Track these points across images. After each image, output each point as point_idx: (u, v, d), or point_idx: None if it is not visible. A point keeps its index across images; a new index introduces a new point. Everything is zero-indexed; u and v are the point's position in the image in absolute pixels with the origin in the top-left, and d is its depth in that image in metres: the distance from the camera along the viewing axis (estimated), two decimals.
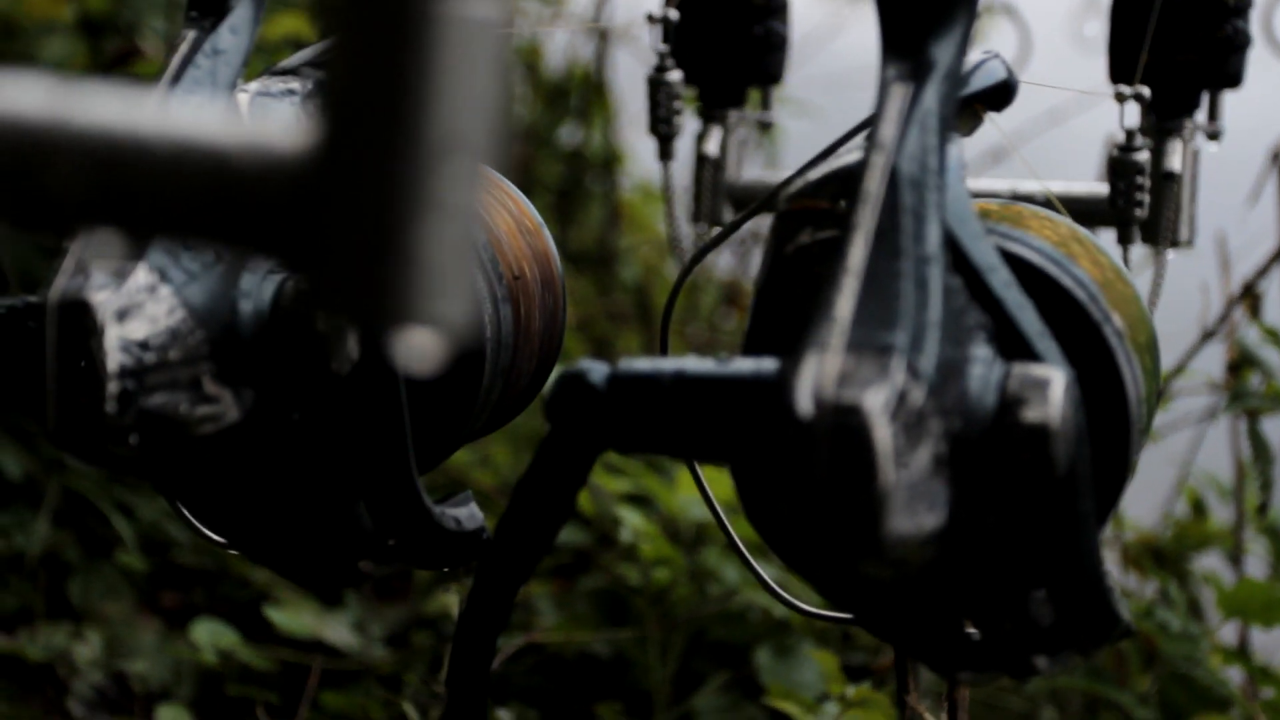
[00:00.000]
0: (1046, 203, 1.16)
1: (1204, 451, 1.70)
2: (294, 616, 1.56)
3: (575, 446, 0.67)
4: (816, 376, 0.58)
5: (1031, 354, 0.65)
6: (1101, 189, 1.27)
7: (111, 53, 1.72)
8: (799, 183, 0.68)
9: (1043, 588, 0.67)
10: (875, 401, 0.58)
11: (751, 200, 1.33)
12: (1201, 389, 1.63)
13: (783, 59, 1.29)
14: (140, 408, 0.63)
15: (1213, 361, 1.68)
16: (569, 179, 2.23)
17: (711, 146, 1.24)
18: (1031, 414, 0.62)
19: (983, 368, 0.63)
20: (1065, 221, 0.77)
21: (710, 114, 1.24)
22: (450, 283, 0.35)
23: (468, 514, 0.77)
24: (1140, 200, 1.15)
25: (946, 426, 0.61)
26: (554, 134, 2.26)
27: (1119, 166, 1.13)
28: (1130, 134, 1.16)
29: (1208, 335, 1.54)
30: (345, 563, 0.75)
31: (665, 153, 1.20)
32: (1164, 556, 1.66)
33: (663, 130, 1.19)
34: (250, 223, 0.36)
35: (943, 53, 0.65)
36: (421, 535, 0.75)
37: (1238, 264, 1.69)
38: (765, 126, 1.32)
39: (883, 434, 0.57)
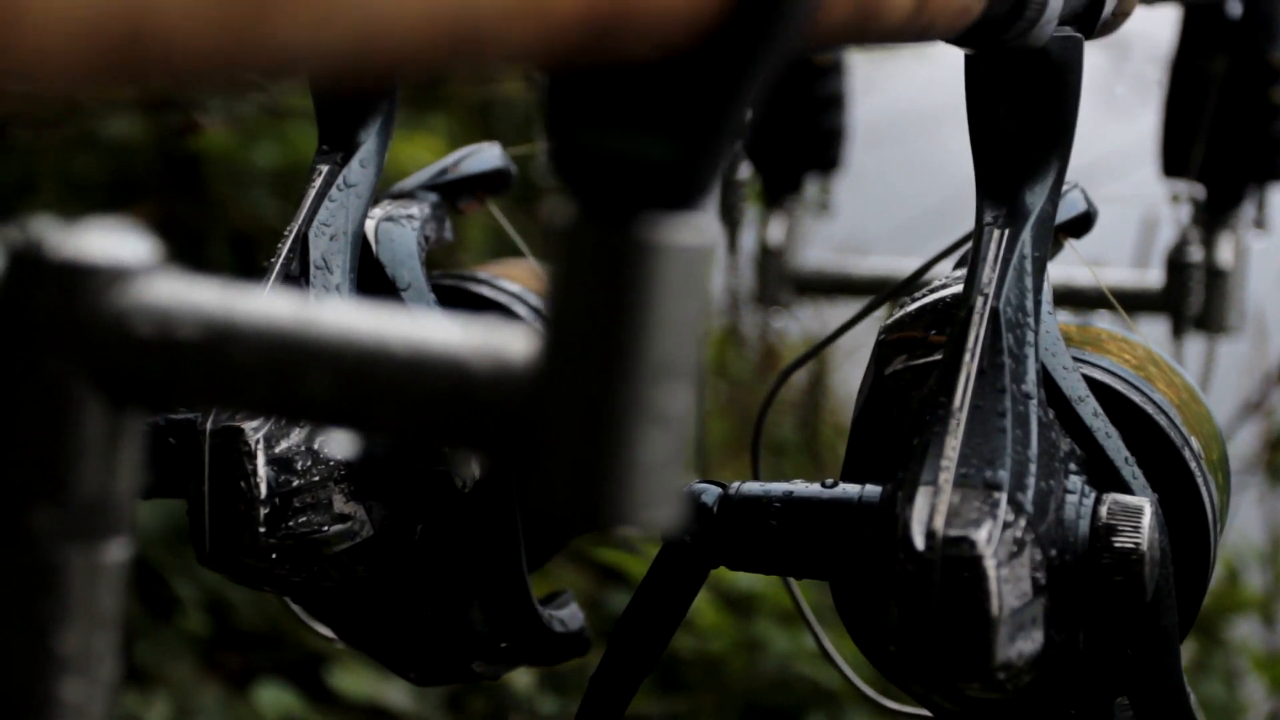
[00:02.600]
0: (1100, 296, 1.20)
1: (1239, 520, 1.75)
2: (354, 680, 1.60)
3: (688, 564, 0.71)
4: (929, 513, 0.62)
5: (1119, 480, 0.69)
6: (1149, 279, 1.32)
7: (172, 127, 1.77)
8: (898, 313, 0.73)
9: (1126, 695, 0.71)
10: (983, 537, 0.62)
11: (816, 284, 1.37)
12: (1236, 461, 1.67)
13: (843, 147, 1.34)
14: (285, 529, 0.68)
15: (1245, 431, 1.72)
16: None
17: (775, 234, 1.28)
18: (1123, 542, 0.66)
19: (1076, 497, 0.68)
20: (1140, 342, 0.82)
21: (774, 203, 1.29)
22: (662, 492, 0.39)
23: (570, 614, 0.81)
24: (1195, 297, 1.19)
25: (1044, 555, 0.65)
26: None
27: (1176, 266, 1.17)
28: (1185, 234, 1.21)
29: (1248, 411, 1.58)
30: (459, 663, 0.79)
31: (733, 245, 1.24)
32: (1200, 623, 1.70)
33: (733, 220, 1.23)
34: (478, 427, 0.40)
35: (1036, 198, 0.70)
36: (530, 637, 0.79)
37: (1274, 339, 1.74)
38: (823, 207, 1.37)
39: (991, 568, 0.61)
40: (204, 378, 0.42)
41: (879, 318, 1.19)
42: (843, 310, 1.49)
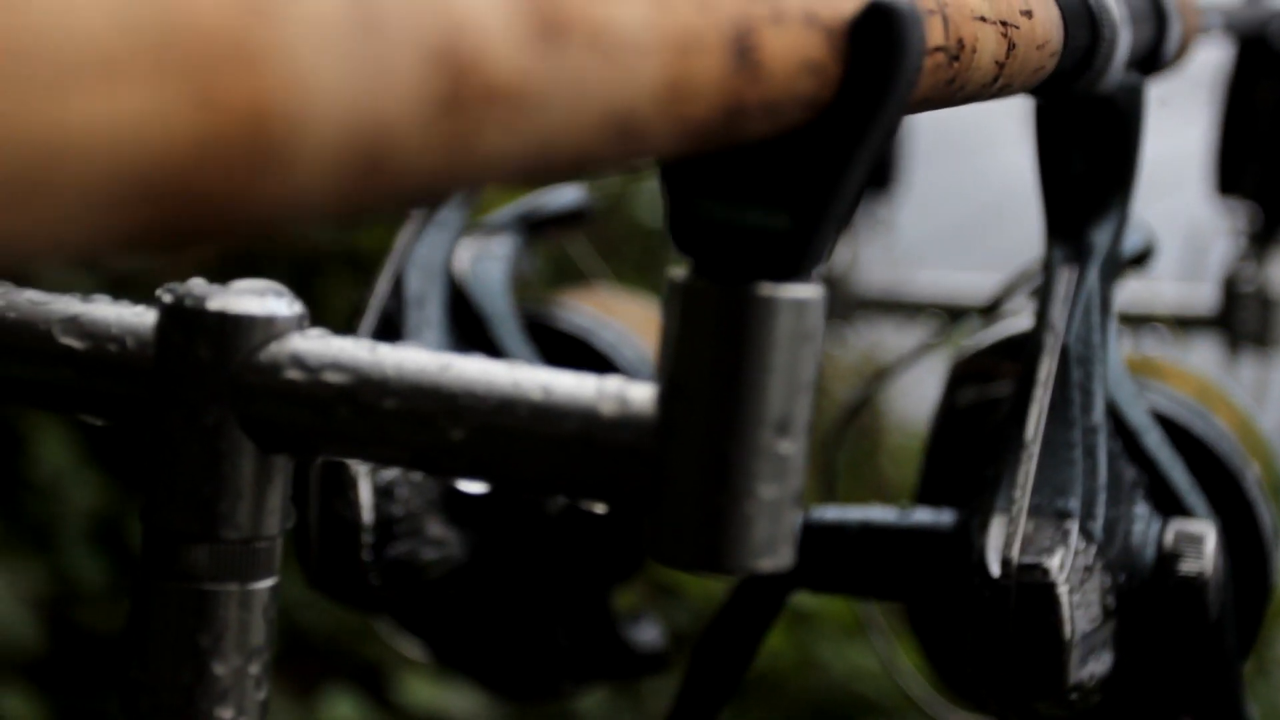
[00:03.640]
0: (1155, 313, 1.23)
1: None
2: (419, 687, 1.64)
3: (768, 588, 0.74)
4: (1004, 540, 0.65)
5: (1183, 507, 0.72)
6: (1201, 296, 1.35)
7: None
8: (970, 345, 0.76)
9: (1189, 715, 0.74)
10: (1056, 564, 0.65)
11: (876, 303, 1.41)
12: None
13: (902, 165, 1.37)
14: (387, 555, 0.71)
15: None
16: None
17: (841, 257, 1.31)
18: (1188, 567, 0.69)
19: (1141, 524, 0.71)
20: (1196, 369, 0.85)
21: None
22: (779, 537, 0.43)
23: (653, 634, 0.85)
24: (1249, 315, 1.22)
25: (1113, 580, 0.68)
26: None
27: (1231, 288, 1.20)
28: (1240, 254, 1.24)
29: None
30: (547, 680, 0.83)
31: None
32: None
33: None
34: (604, 476, 0.44)
35: (1102, 237, 0.73)
36: (614, 656, 0.82)
37: None
38: (883, 224, 1.40)
39: (1064, 594, 0.64)
40: (349, 427, 0.45)
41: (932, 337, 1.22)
42: (898, 327, 1.52)
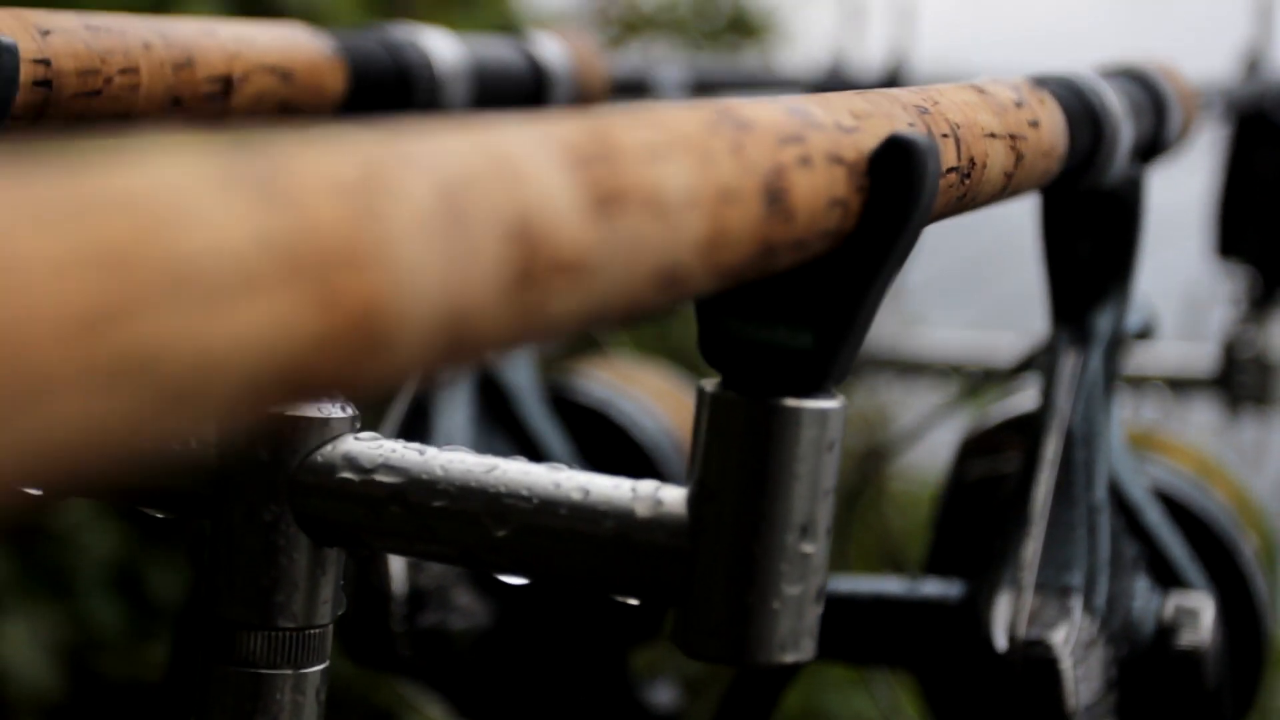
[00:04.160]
0: (1152, 373, 1.26)
1: None
2: None
3: None
4: (1010, 615, 0.68)
5: (1181, 580, 0.75)
6: (1199, 356, 1.38)
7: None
8: (979, 422, 0.79)
9: None
10: (1060, 639, 0.68)
11: (889, 363, 1.44)
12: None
13: None
14: (417, 624, 0.74)
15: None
16: None
17: None
18: (1186, 639, 0.72)
19: (1142, 598, 0.74)
20: (1194, 444, 0.88)
21: None
22: (802, 631, 0.46)
23: (668, 695, 0.88)
24: (1249, 378, 1.26)
25: (1115, 653, 0.71)
26: None
27: (1234, 354, 1.24)
28: (1243, 321, 1.27)
29: None
30: None
31: None
32: None
33: None
34: (638, 574, 0.47)
35: (1106, 320, 0.76)
36: (631, 716, 0.86)
37: None
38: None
39: (1067, 668, 0.67)
40: (399, 525, 0.49)
41: (934, 387, 1.25)
42: (904, 382, 1.55)
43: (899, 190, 0.44)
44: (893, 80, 1.35)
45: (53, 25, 0.58)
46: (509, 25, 2.14)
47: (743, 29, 3.19)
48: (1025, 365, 0.91)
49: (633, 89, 1.02)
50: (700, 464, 0.46)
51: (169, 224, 0.22)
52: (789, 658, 0.46)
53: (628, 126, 0.34)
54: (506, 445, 0.82)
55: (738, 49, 3.07)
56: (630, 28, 3.05)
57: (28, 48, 0.55)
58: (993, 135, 0.54)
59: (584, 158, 0.32)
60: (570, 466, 0.48)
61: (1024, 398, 0.80)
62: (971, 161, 0.51)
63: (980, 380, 1.10)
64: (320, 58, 0.71)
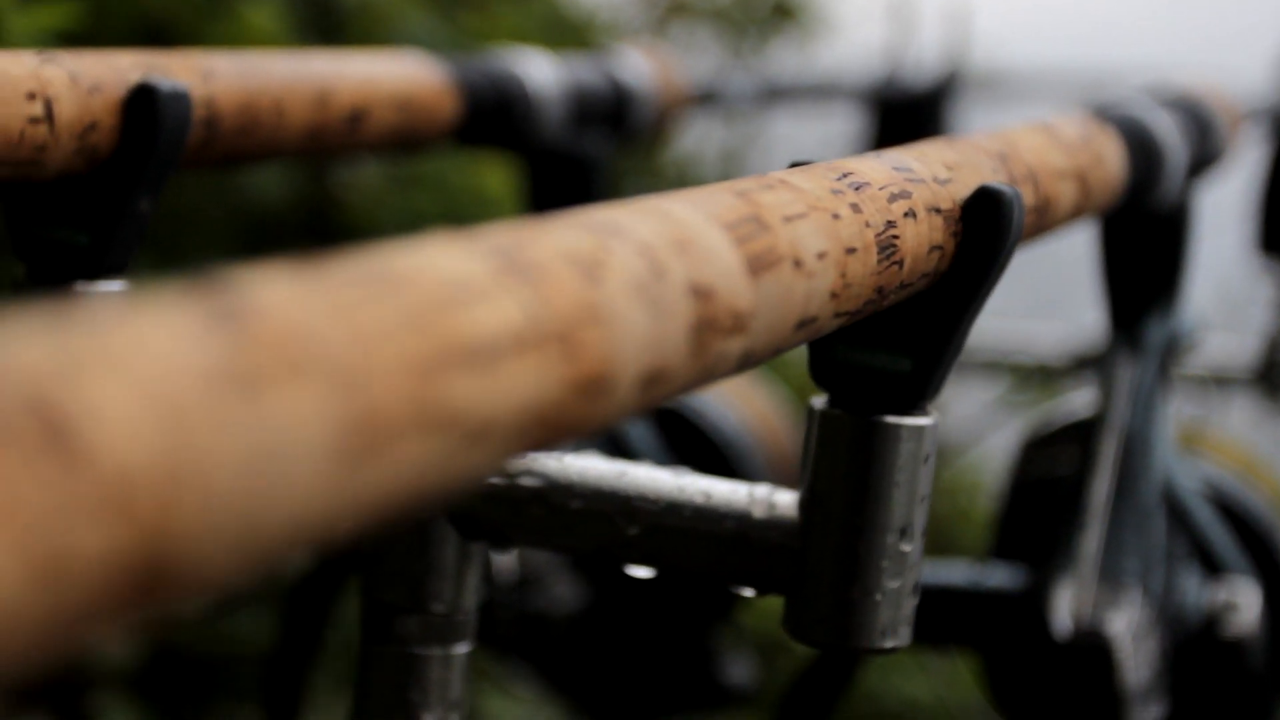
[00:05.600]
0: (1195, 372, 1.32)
1: None
2: (504, 707, 1.73)
3: None
4: (1072, 602, 0.75)
5: (1228, 571, 0.81)
6: (1239, 350, 1.44)
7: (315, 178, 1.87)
8: (1040, 424, 0.85)
9: None
10: (1119, 626, 0.74)
11: None
12: None
13: None
14: (522, 608, 0.81)
15: None
16: None
17: None
18: (1233, 628, 0.79)
19: (1192, 588, 0.80)
20: (1239, 443, 0.94)
21: None
22: (899, 621, 0.52)
23: (743, 672, 0.94)
24: None
25: (1168, 639, 0.77)
26: None
27: (1275, 354, 1.29)
28: None
29: None
30: (645, 710, 0.92)
31: None
32: None
33: None
34: (754, 568, 0.53)
35: (1159, 328, 0.82)
36: (706, 690, 0.92)
37: None
38: None
39: (1125, 652, 0.74)
40: (540, 524, 0.55)
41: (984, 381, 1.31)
42: (956, 375, 1.61)
43: (989, 235, 0.50)
44: (949, 86, 1.40)
45: (214, 67, 0.64)
46: (559, 19, 2.20)
47: (785, 15, 3.23)
48: (1078, 365, 0.97)
49: (708, 99, 1.08)
50: (811, 472, 0.53)
51: (457, 301, 0.29)
52: (889, 644, 0.52)
53: (769, 195, 0.41)
54: (596, 442, 0.89)
55: (780, 35, 3.12)
56: (673, 12, 3.10)
57: (197, 89, 0.62)
58: (1063, 175, 0.60)
59: (739, 227, 0.38)
60: (682, 469, 0.55)
61: (1080, 400, 0.86)
62: (1046, 200, 0.58)
63: (1033, 377, 1.16)
64: (438, 86, 0.77)
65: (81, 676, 1.66)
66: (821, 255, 0.41)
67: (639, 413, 0.35)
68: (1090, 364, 0.98)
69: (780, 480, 0.97)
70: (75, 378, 0.22)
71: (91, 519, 0.21)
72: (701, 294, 0.35)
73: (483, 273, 0.30)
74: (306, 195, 1.82)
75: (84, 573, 0.21)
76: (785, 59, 2.92)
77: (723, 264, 0.37)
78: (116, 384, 0.22)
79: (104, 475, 0.21)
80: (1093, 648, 0.74)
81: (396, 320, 0.27)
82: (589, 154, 0.88)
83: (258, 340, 0.24)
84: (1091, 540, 0.77)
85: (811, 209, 0.42)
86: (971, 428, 1.02)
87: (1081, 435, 0.82)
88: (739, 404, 0.96)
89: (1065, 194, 0.60)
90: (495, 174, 1.75)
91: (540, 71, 0.85)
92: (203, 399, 0.23)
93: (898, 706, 1.65)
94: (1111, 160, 0.67)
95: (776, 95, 1.19)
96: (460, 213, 1.69)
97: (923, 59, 1.67)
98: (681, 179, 2.42)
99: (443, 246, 0.30)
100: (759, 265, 0.38)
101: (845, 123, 1.65)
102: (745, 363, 0.39)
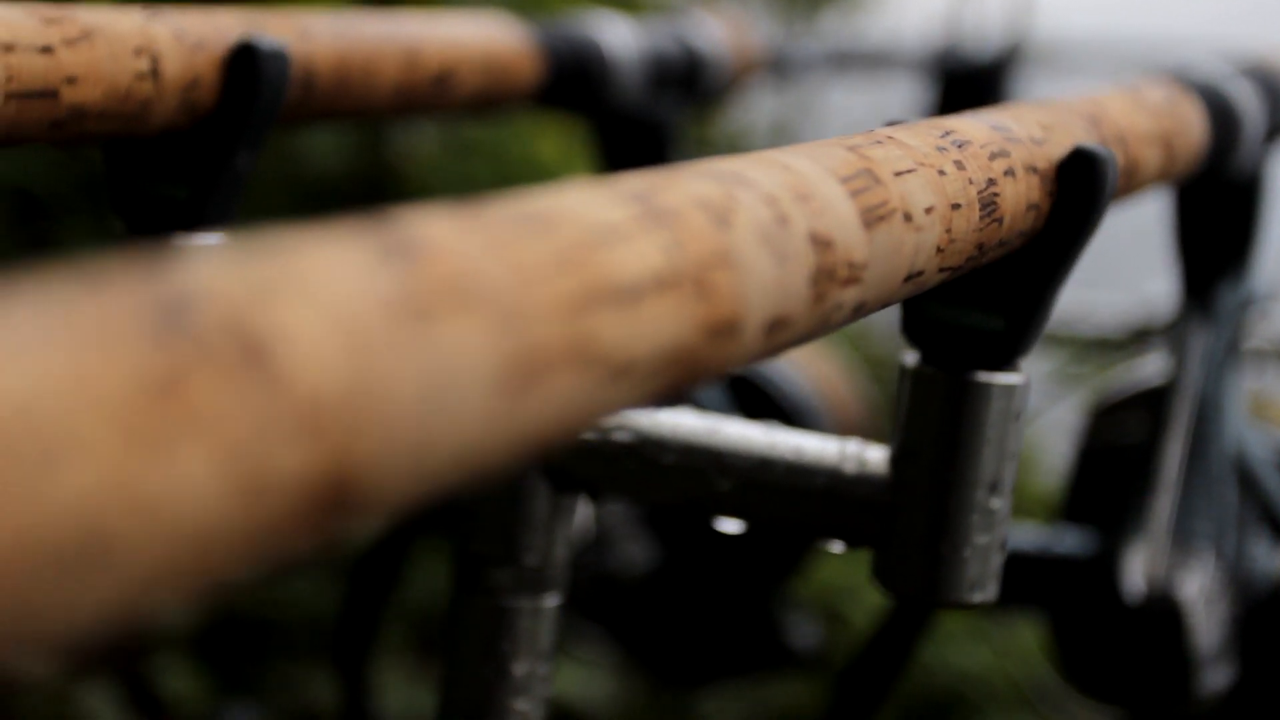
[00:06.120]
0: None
1: None
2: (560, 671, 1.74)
3: (920, 608, 0.84)
4: (1144, 565, 0.75)
5: None
6: None
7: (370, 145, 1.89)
8: (1110, 390, 0.86)
9: None
10: (1192, 590, 0.75)
11: None
12: None
13: None
14: (597, 567, 0.82)
15: None
16: None
17: None
18: None
19: (1262, 554, 0.80)
20: None
21: None
22: (987, 576, 0.53)
23: (808, 635, 0.95)
24: None
25: (1237, 603, 0.78)
26: None
27: None
28: None
29: None
30: (710, 670, 0.93)
31: None
32: None
33: None
34: (843, 521, 0.54)
35: (1231, 294, 0.82)
36: (769, 650, 0.93)
37: None
38: None
39: (1197, 614, 0.74)
40: (633, 478, 0.56)
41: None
42: None
43: (1085, 195, 0.51)
44: (1012, 56, 1.40)
45: (310, 25, 0.65)
46: None
47: None
48: (1138, 337, 0.98)
49: (778, 65, 1.09)
50: (902, 428, 0.53)
51: (604, 242, 0.30)
52: (976, 598, 0.53)
53: (879, 151, 0.42)
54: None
55: (830, 6, 3.11)
56: None
57: (294, 48, 0.63)
58: (1150, 140, 0.60)
59: (854, 180, 0.39)
60: (772, 425, 0.56)
61: (1150, 368, 0.86)
62: (1134, 164, 0.58)
63: (1091, 349, 1.16)
64: (521, 49, 0.78)
65: (142, 641, 1.68)
66: (929, 210, 0.42)
67: (761, 359, 0.35)
68: (1151, 335, 0.98)
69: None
70: (269, 303, 0.23)
71: (288, 439, 0.22)
72: (821, 243, 0.36)
73: (624, 216, 0.31)
74: (363, 163, 1.84)
75: (281, 490, 0.22)
76: (833, 30, 2.92)
77: (840, 215, 0.37)
78: (306, 310, 0.23)
79: (298, 396, 0.22)
80: (1164, 611, 0.75)
81: (550, 258, 0.28)
82: (663, 118, 0.89)
83: (429, 273, 0.25)
84: (1164, 505, 0.77)
85: (919, 165, 0.42)
86: (1030, 401, 1.03)
87: (1153, 401, 0.83)
88: (807, 367, 0.97)
89: (1152, 158, 0.61)
90: (550, 142, 1.76)
91: (619, 36, 0.86)
92: (383, 327, 0.24)
93: (951, 680, 1.66)
94: (1194, 126, 0.67)
95: (844, 63, 1.19)
96: (516, 181, 1.70)
97: (984, 29, 1.67)
98: (734, 149, 2.42)
99: (585, 192, 0.31)
100: (872, 218, 0.39)
101: (897, 94, 1.65)
102: (858, 313, 0.40)
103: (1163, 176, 0.64)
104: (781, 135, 2.73)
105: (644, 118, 0.88)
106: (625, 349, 0.29)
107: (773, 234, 0.34)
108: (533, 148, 1.81)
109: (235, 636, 1.77)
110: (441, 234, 0.27)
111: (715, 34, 0.96)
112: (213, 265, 0.23)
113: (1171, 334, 0.83)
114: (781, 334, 0.35)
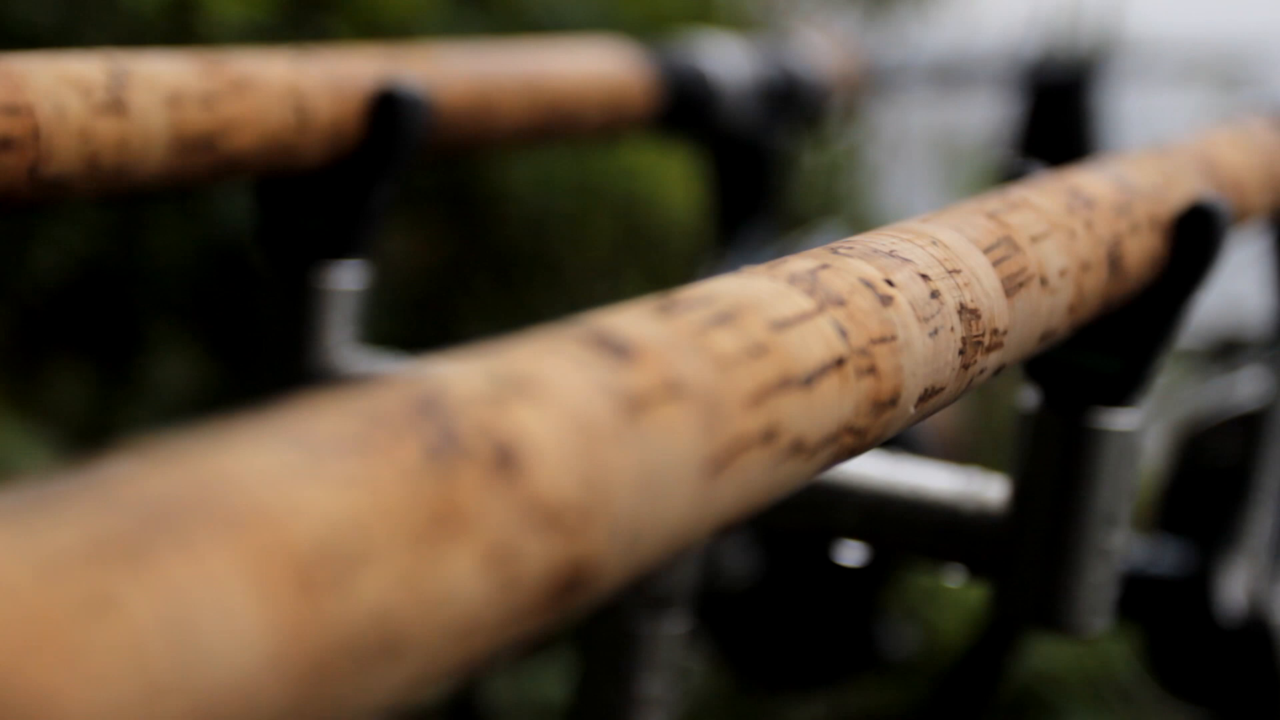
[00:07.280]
0: None
1: None
2: None
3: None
4: (1239, 582, 0.77)
5: None
6: None
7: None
8: (1206, 418, 0.88)
9: None
10: None
11: None
12: None
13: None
14: (701, 581, 0.85)
15: None
16: None
17: None
18: None
19: None
20: None
21: None
22: (1101, 606, 0.55)
23: (902, 640, 0.97)
24: None
25: None
26: None
27: None
28: None
29: None
30: (823, 673, 0.96)
31: None
32: None
33: None
34: (964, 551, 0.56)
35: None
36: (864, 654, 0.96)
37: None
38: None
39: None
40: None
41: None
42: None
43: (1202, 247, 0.53)
44: (1103, 65, 1.42)
45: (445, 67, 0.68)
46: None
47: None
48: (1224, 350, 0.99)
49: (883, 79, 1.11)
50: (1022, 466, 0.56)
51: (785, 326, 0.32)
52: (1094, 625, 0.55)
53: (1016, 216, 0.44)
54: None
55: (909, 12, 3.10)
56: None
57: (431, 92, 0.65)
58: (1263, 186, 0.62)
59: (996, 249, 0.41)
60: (894, 455, 0.58)
61: (1245, 386, 0.88)
62: (1246, 208, 0.60)
63: (1175, 360, 1.18)
64: (639, 78, 0.81)
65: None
66: (1063, 273, 0.44)
67: (912, 424, 0.38)
68: (1238, 349, 1.00)
69: (949, 458, 1.00)
70: (512, 407, 0.25)
71: (537, 533, 0.25)
72: (969, 314, 0.39)
73: (798, 303, 0.33)
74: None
75: (531, 581, 0.24)
76: (914, 33, 2.92)
77: (986, 286, 0.40)
78: (543, 412, 0.26)
79: (542, 491, 0.25)
80: (1261, 632, 0.77)
81: (739, 347, 0.31)
82: (773, 141, 0.92)
83: (641, 370, 0.28)
84: (1262, 526, 0.79)
85: (1053, 228, 0.45)
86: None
87: (1250, 425, 0.84)
88: None
89: (1262, 202, 0.63)
90: (625, 141, 1.78)
91: (732, 61, 0.88)
92: (607, 425, 0.26)
93: (1029, 680, 1.67)
94: None
95: (941, 78, 1.21)
96: (593, 179, 1.73)
97: (1074, 35, 1.68)
98: (843, 167, 2.41)
99: (753, 277, 0.34)
100: (1013, 285, 0.41)
101: (977, 105, 1.66)
102: (997, 373, 0.42)
103: (1271, 215, 0.66)
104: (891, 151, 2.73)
105: (755, 141, 0.90)
106: (804, 428, 0.32)
107: (928, 309, 0.37)
108: (609, 145, 1.82)
109: None
110: (646, 331, 0.29)
111: (823, 55, 0.98)
112: (459, 373, 0.26)
113: (1270, 356, 0.85)
114: (933, 401, 0.38)
